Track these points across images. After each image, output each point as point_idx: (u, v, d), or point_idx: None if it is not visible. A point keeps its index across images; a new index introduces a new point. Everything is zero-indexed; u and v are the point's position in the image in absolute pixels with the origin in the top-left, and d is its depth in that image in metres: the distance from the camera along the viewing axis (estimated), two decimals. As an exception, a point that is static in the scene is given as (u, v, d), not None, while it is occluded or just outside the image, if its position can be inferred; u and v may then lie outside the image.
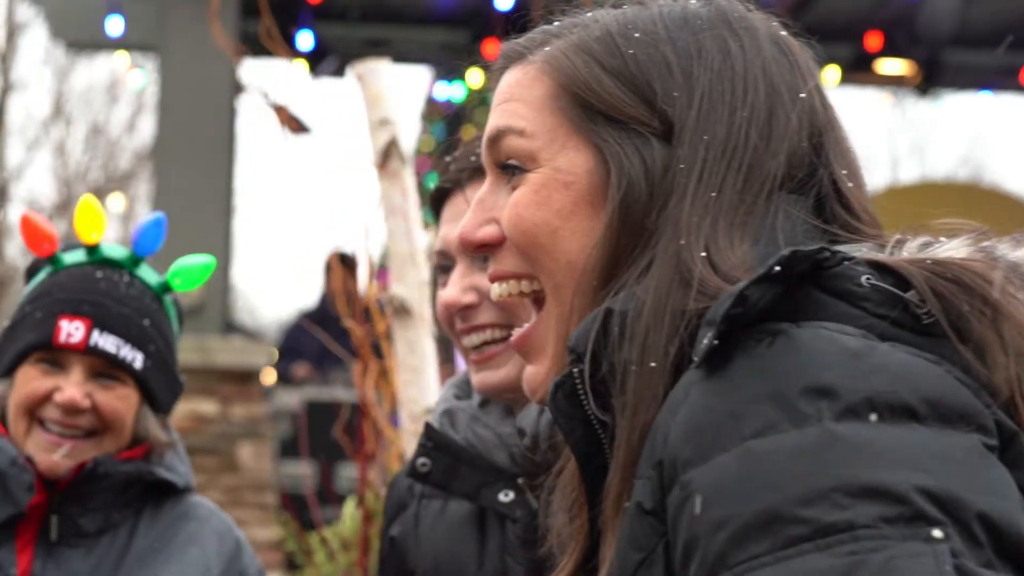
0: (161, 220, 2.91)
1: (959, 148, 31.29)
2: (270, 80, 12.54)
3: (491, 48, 11.74)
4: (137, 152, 26.73)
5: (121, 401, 2.85)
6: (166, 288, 2.93)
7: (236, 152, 10.69)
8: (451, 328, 2.41)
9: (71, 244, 2.95)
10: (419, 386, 3.68)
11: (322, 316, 12.22)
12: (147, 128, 27.16)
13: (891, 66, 12.68)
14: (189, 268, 2.91)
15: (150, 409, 2.91)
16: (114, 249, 2.94)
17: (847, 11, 11.90)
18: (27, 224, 2.90)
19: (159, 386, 2.90)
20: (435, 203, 2.46)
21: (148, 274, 2.94)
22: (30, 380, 2.85)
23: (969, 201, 13.59)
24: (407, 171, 3.68)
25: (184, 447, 3.01)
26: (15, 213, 26.46)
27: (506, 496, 2.35)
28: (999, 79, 13.40)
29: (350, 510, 4.24)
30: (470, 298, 2.36)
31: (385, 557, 2.52)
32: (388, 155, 3.65)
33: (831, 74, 12.47)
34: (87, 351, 2.83)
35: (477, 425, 2.40)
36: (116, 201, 26.43)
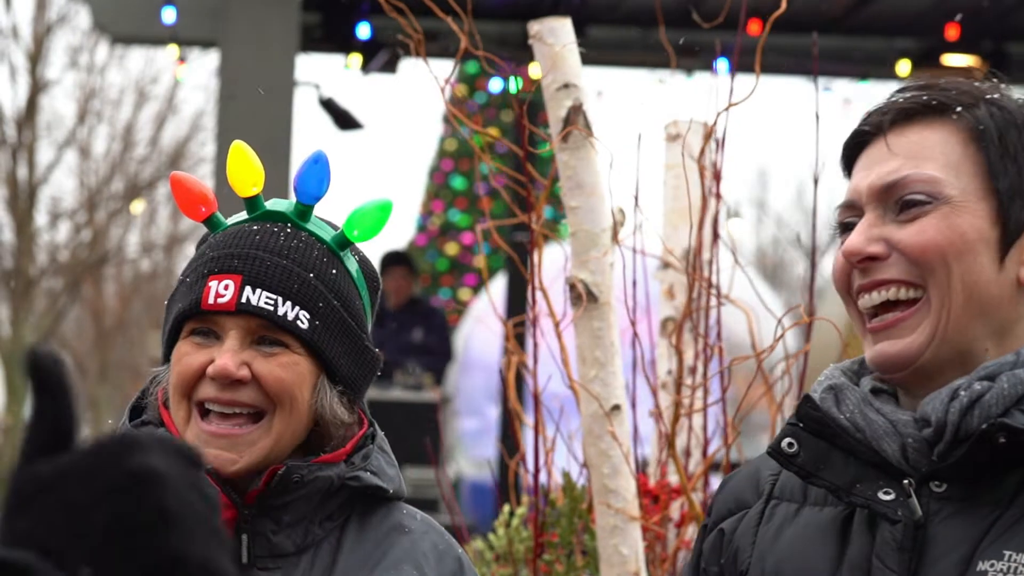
0: (322, 156, 2.43)
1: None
2: (329, 74, 12.23)
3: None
4: (164, 152, 26.44)
5: (286, 369, 2.37)
6: (343, 243, 2.45)
7: (293, 145, 10.35)
8: (847, 287, 2.07)
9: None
10: (604, 381, 3.30)
11: (377, 314, 11.96)
12: (173, 131, 26.89)
13: (958, 60, 12.32)
14: (365, 213, 2.44)
15: (331, 384, 2.42)
16: (278, 203, 2.48)
17: (914, 4, 11.56)
18: (178, 185, 2.46)
19: (337, 353, 2.41)
20: (849, 151, 2.12)
21: (320, 227, 2.47)
22: (182, 356, 2.40)
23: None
24: (593, 141, 3.29)
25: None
26: (40, 218, 26.14)
27: (887, 494, 1.99)
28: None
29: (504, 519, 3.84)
30: (876, 248, 2.03)
31: (705, 549, 2.20)
32: (571, 123, 3.27)
33: (903, 67, 12.13)
34: (239, 311, 2.36)
35: (868, 408, 2.04)
36: (138, 204, 26.15)
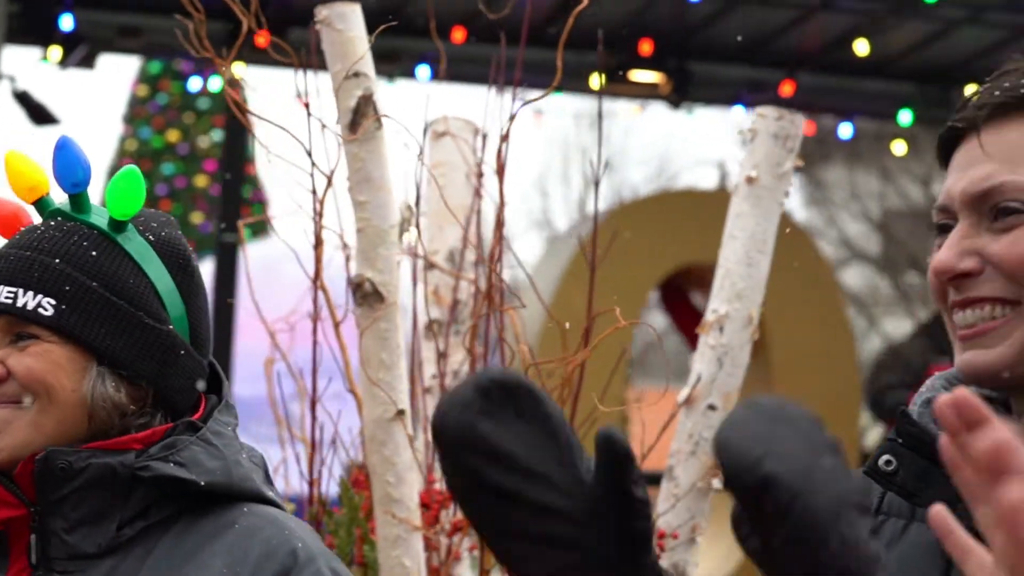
0: (65, 141, 2.37)
1: (651, 164, 31.27)
2: (25, 67, 11.79)
3: (262, 39, 11.11)
4: None
5: (36, 359, 2.29)
6: (118, 224, 2.37)
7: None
8: (943, 301, 1.90)
9: None
10: (390, 385, 3.17)
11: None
12: None
13: (645, 76, 12.55)
14: (116, 188, 2.35)
15: (109, 368, 2.32)
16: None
17: (606, 19, 11.72)
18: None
19: (98, 335, 2.31)
20: (944, 148, 1.94)
21: (100, 214, 2.39)
22: None
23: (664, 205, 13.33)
24: (383, 134, 3.15)
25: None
26: None
27: None
28: (752, 94, 13.39)
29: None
30: (969, 264, 1.86)
31: None
32: (361, 114, 3.13)
33: (595, 81, 12.28)
34: None
35: None
36: None
